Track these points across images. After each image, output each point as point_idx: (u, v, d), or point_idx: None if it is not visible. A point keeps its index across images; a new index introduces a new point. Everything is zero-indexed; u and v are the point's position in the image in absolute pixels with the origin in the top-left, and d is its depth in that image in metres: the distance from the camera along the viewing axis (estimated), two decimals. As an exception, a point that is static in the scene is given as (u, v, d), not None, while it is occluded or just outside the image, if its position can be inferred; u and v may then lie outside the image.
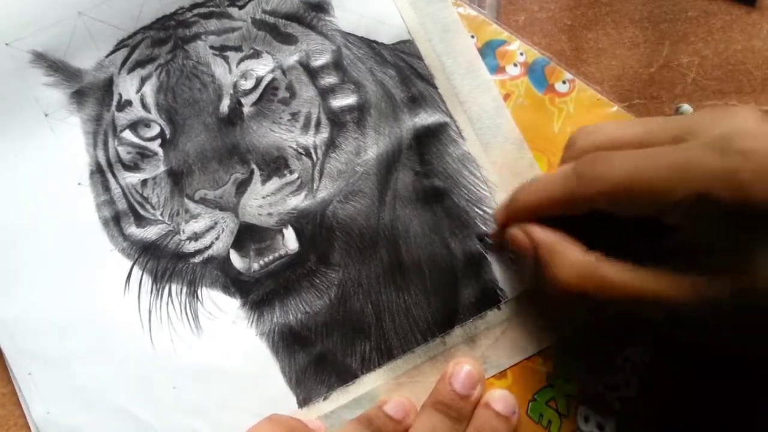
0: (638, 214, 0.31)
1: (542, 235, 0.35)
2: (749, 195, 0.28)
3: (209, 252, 0.40)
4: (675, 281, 0.30)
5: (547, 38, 0.44)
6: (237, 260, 0.40)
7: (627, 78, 0.43)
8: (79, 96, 0.42)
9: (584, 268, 0.33)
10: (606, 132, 0.34)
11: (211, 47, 0.41)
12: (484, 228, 0.41)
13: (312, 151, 0.41)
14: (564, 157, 0.37)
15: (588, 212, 0.33)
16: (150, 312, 0.40)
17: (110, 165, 0.41)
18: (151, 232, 0.41)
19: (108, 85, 0.42)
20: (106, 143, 0.42)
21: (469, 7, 0.42)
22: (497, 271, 0.40)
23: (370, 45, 0.42)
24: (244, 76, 0.41)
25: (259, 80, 0.41)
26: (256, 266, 0.40)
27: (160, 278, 0.41)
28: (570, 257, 0.33)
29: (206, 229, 0.40)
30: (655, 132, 0.33)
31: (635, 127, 0.34)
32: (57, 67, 0.42)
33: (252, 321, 0.40)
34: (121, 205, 0.41)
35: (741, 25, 0.43)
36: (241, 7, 0.42)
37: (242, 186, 0.40)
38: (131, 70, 0.42)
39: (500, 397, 0.37)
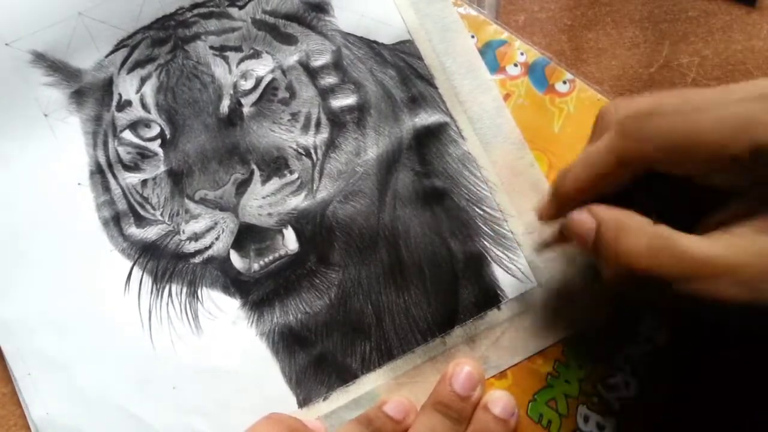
0: (695, 172, 0.30)
1: (604, 211, 0.32)
2: None
3: (209, 252, 0.40)
4: (742, 246, 0.28)
5: (547, 38, 0.43)
6: (237, 260, 0.40)
7: (627, 78, 0.43)
8: (78, 96, 0.42)
9: (657, 239, 0.30)
10: (646, 99, 0.32)
11: (211, 47, 0.41)
12: (485, 228, 0.41)
13: (312, 151, 0.41)
14: (595, 131, 0.34)
15: (639, 187, 0.32)
16: (150, 312, 0.40)
17: (110, 165, 0.41)
18: (151, 233, 0.41)
19: (108, 86, 0.42)
20: (106, 143, 0.42)
21: (469, 7, 0.42)
22: (497, 271, 0.40)
23: (370, 45, 0.42)
24: (244, 76, 0.41)
25: (259, 80, 0.41)
26: (256, 266, 0.40)
27: (160, 278, 0.41)
28: (640, 229, 0.31)
29: (206, 230, 0.40)
30: (694, 98, 0.31)
31: (674, 94, 0.32)
32: (57, 67, 0.42)
33: (252, 321, 0.40)
34: (121, 205, 0.41)
35: (741, 25, 0.43)
36: (241, 7, 0.42)
37: (242, 186, 0.40)
38: (131, 70, 0.42)
39: (499, 399, 0.37)
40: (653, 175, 0.31)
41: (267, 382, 0.40)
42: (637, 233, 0.31)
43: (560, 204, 0.35)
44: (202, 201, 0.40)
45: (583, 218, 0.33)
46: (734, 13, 0.43)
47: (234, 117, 0.41)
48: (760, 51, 0.43)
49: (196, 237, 0.40)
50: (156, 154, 0.41)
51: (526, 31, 0.43)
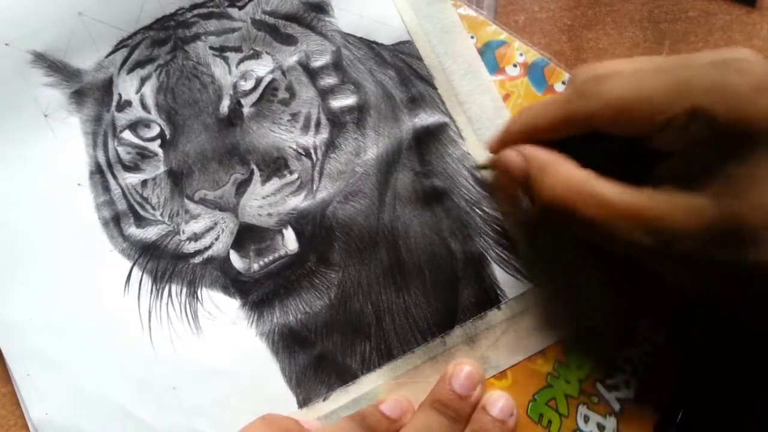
0: (635, 133, 0.31)
1: (534, 151, 0.35)
2: (744, 110, 0.28)
3: (209, 252, 0.40)
4: (668, 201, 0.30)
5: (547, 38, 0.44)
6: (237, 261, 0.40)
7: (627, 78, 0.43)
8: (78, 96, 0.42)
9: (575, 182, 0.32)
10: (607, 64, 0.34)
11: (211, 48, 0.41)
12: (485, 228, 0.41)
13: (312, 151, 0.41)
14: (566, 91, 0.36)
15: (582, 138, 0.33)
16: (150, 312, 0.40)
17: (110, 165, 0.41)
18: (150, 233, 0.41)
19: (108, 86, 0.42)
20: (105, 143, 0.42)
21: (468, 7, 0.43)
22: (497, 271, 0.40)
23: (370, 46, 0.42)
24: (243, 76, 0.41)
25: (258, 81, 0.41)
26: (255, 267, 0.40)
27: (159, 279, 0.41)
28: (561, 170, 0.33)
29: (206, 230, 0.40)
30: (657, 61, 0.32)
31: (636, 59, 0.33)
32: (57, 68, 0.42)
33: (252, 321, 0.40)
34: (121, 205, 0.41)
35: (741, 25, 0.43)
36: (240, 8, 0.42)
37: (242, 186, 0.40)
38: (131, 70, 0.42)
39: (497, 400, 0.37)
40: (598, 135, 0.33)
41: (267, 382, 0.40)
42: (559, 172, 0.33)
43: (504, 141, 0.37)
44: (202, 201, 0.40)
45: (513, 156, 0.36)
46: (734, 13, 0.43)
47: (234, 117, 0.41)
48: (760, 51, 0.42)
49: (195, 237, 0.40)
50: (156, 155, 0.41)
51: (526, 31, 0.43)
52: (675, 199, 0.30)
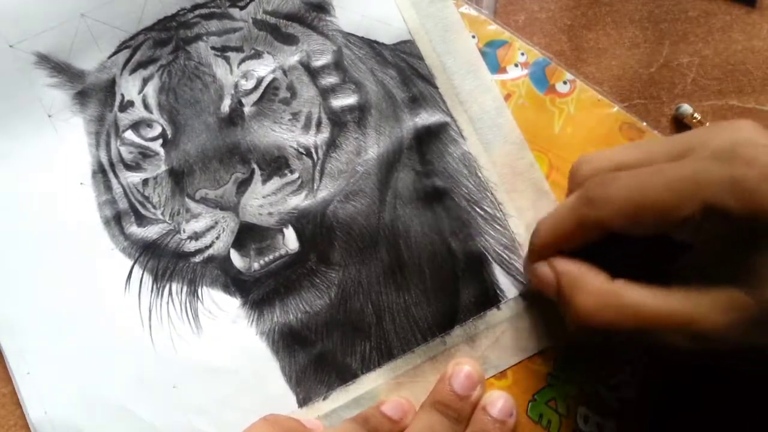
0: (651, 233, 0.31)
1: (564, 265, 0.34)
2: (757, 203, 0.28)
3: (210, 251, 0.40)
4: (704, 301, 0.29)
5: (547, 38, 0.44)
6: (237, 259, 0.40)
7: (627, 78, 0.43)
8: (82, 97, 0.42)
9: (607, 296, 0.32)
10: (607, 156, 0.34)
11: (213, 48, 0.41)
12: (485, 227, 0.41)
13: (313, 150, 0.41)
14: (569, 186, 0.37)
15: (606, 240, 0.33)
16: (150, 311, 0.41)
17: (112, 165, 0.42)
18: (151, 232, 0.41)
19: (110, 86, 0.42)
20: (108, 143, 0.42)
21: (470, 7, 0.43)
22: (498, 271, 0.40)
23: (371, 45, 0.42)
24: (245, 76, 0.41)
25: (260, 80, 0.41)
26: (256, 266, 0.40)
27: (160, 277, 0.41)
28: (591, 285, 0.33)
29: (207, 229, 0.40)
30: (656, 151, 0.32)
31: (636, 148, 0.34)
32: (60, 69, 0.42)
33: (252, 320, 0.40)
34: (123, 204, 0.41)
35: (741, 25, 0.43)
36: (242, 8, 0.42)
37: (243, 185, 0.40)
38: (133, 71, 0.42)
39: (497, 400, 0.37)
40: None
41: (267, 381, 0.40)
42: (589, 290, 0.32)
43: (535, 256, 0.36)
44: (203, 200, 0.40)
45: (545, 272, 0.35)
46: (734, 13, 0.43)
47: (235, 117, 0.41)
48: (760, 51, 0.43)
49: (196, 236, 0.40)
50: (157, 154, 0.41)
51: (526, 31, 0.43)
52: (710, 298, 0.29)
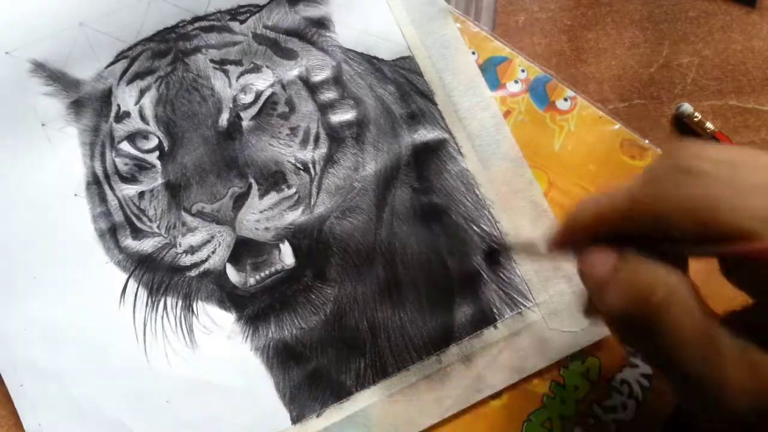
0: (694, 245, 0.25)
1: (660, 273, 0.26)
2: None
3: (205, 266, 0.40)
4: None
5: (547, 38, 0.43)
6: (233, 274, 0.40)
7: (627, 78, 0.43)
8: (77, 106, 0.42)
9: (703, 328, 0.25)
10: (689, 151, 0.26)
11: (212, 61, 0.41)
12: (482, 246, 0.40)
13: (310, 166, 0.41)
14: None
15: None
16: (145, 325, 0.40)
17: (107, 176, 0.41)
18: (147, 245, 0.41)
19: (107, 96, 0.42)
20: (103, 154, 0.41)
21: (470, 23, 0.42)
22: (493, 290, 0.40)
23: (370, 61, 0.42)
24: (243, 90, 0.41)
25: (258, 94, 0.41)
26: (252, 281, 0.40)
27: (155, 291, 0.40)
28: (688, 307, 0.26)
29: (203, 243, 0.40)
30: (731, 160, 0.26)
31: (719, 153, 0.26)
32: (56, 77, 0.42)
33: (247, 336, 0.40)
34: (118, 217, 0.41)
35: (741, 25, 0.43)
36: (242, 22, 0.42)
37: (240, 200, 0.40)
38: (130, 81, 0.41)
39: None
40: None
41: (261, 397, 0.40)
42: (687, 309, 0.26)
43: (571, 234, 0.30)
44: (199, 214, 0.40)
45: (602, 259, 0.28)
46: (734, 13, 0.43)
47: (233, 130, 0.41)
48: (760, 51, 0.43)
49: (192, 250, 0.40)
50: (154, 166, 0.41)
51: (526, 31, 0.43)
52: None
